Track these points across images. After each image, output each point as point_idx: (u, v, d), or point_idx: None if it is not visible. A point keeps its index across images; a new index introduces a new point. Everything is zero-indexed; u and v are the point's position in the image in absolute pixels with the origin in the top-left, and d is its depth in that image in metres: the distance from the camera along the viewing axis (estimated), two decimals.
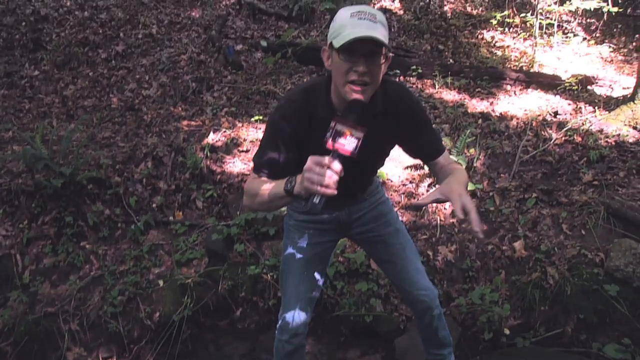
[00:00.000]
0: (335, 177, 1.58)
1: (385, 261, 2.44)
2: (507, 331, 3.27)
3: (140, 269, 3.92)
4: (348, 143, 1.60)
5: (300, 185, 1.64)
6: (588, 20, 8.81)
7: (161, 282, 3.78)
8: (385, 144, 2.11)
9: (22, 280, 3.85)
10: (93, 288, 3.81)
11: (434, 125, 4.79)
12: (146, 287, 3.76)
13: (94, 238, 4.19)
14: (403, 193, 4.33)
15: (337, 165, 1.58)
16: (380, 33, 1.69)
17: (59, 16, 7.51)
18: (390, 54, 1.80)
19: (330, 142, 1.61)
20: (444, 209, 4.13)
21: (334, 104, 1.89)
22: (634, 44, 7.96)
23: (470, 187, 4.13)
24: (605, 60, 7.43)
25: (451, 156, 4.18)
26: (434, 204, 4.05)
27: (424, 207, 4.08)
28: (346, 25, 1.71)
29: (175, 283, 3.73)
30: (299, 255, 2.33)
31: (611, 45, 7.88)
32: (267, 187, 1.85)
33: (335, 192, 1.57)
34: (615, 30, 8.54)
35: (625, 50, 7.83)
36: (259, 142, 2.02)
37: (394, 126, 1.98)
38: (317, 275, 2.37)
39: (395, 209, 3.91)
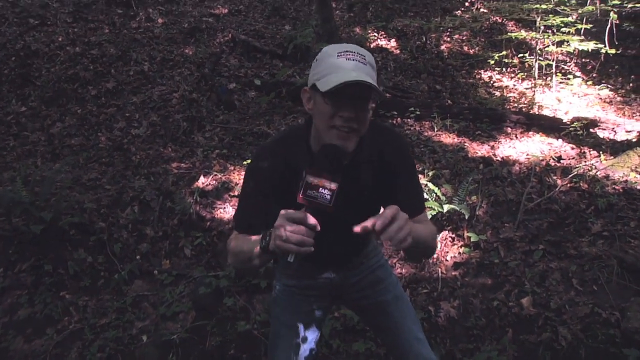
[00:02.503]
0: (311, 233, 1.40)
1: (383, 330, 2.20)
2: None
3: (123, 322, 3.67)
4: (320, 195, 1.41)
5: (274, 242, 1.45)
6: (584, 60, 8.78)
7: (144, 338, 3.53)
8: (371, 195, 1.84)
9: None
10: (71, 343, 3.54)
11: (433, 170, 4.68)
12: (128, 343, 3.50)
13: (75, 288, 3.95)
14: None
15: (311, 220, 1.40)
16: (371, 76, 1.54)
17: (50, 51, 7.35)
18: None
19: (300, 195, 1.42)
20: (446, 260, 3.91)
21: (313, 152, 1.70)
22: (630, 84, 7.90)
23: (474, 237, 3.93)
24: (604, 102, 7.34)
25: (452, 205, 3.99)
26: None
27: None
28: (333, 67, 1.54)
29: (159, 339, 3.48)
30: (288, 324, 2.11)
31: (609, 85, 7.81)
32: (247, 244, 1.66)
33: (312, 249, 1.39)
34: (611, 70, 8.50)
35: (624, 91, 7.76)
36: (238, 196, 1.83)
37: (378, 175, 1.78)
38: (310, 344, 2.13)
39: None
